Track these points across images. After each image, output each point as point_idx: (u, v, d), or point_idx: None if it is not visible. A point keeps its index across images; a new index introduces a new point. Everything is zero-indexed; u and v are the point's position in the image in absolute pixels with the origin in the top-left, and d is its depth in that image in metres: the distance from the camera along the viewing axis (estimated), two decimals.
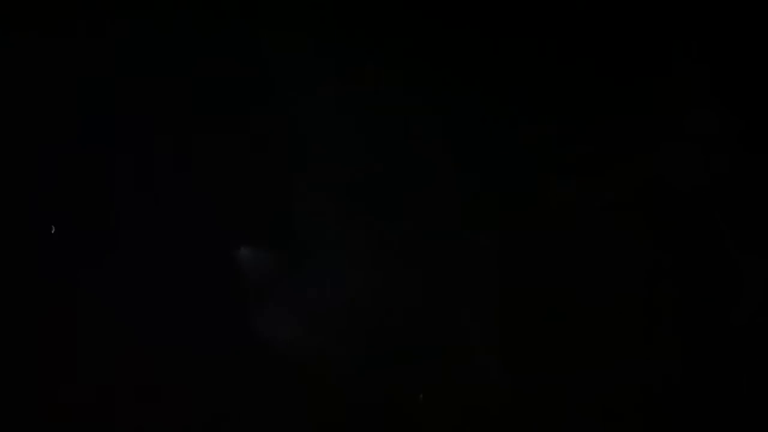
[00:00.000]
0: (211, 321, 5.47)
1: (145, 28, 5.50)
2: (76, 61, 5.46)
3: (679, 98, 5.59)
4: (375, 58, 5.62)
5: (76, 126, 5.50)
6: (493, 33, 5.62)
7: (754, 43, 5.49)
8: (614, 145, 5.60)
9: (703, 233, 5.57)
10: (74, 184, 5.48)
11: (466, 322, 5.55)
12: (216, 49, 5.55)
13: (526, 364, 5.50)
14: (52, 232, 5.45)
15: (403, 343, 5.55)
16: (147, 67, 5.51)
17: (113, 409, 5.35)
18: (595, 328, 5.52)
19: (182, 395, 5.42)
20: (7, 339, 5.35)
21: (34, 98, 5.45)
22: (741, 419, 5.35)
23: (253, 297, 5.57)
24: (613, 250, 5.60)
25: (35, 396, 5.32)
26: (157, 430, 5.37)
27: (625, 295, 5.57)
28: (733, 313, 5.47)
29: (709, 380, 5.41)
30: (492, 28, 5.60)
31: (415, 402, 5.45)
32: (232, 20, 5.56)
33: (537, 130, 5.62)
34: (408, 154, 5.63)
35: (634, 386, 5.45)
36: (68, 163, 5.47)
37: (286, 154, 5.65)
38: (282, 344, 5.52)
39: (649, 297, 5.57)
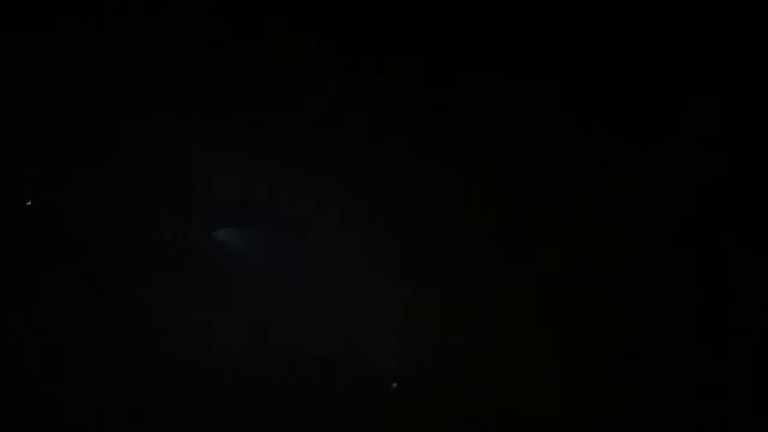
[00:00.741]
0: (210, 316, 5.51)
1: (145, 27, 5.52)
2: (76, 60, 5.49)
3: (679, 98, 5.59)
4: (374, 55, 5.63)
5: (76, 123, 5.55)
6: (493, 33, 5.63)
7: (753, 42, 5.49)
8: (614, 145, 5.60)
9: (703, 233, 5.57)
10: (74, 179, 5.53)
11: (465, 322, 5.57)
12: (218, 48, 5.57)
13: (526, 363, 5.51)
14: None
15: (402, 342, 5.58)
16: (148, 67, 5.53)
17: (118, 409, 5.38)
18: (595, 327, 5.52)
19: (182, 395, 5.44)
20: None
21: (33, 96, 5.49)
22: (742, 418, 5.36)
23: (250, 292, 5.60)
24: (612, 250, 5.61)
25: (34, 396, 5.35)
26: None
27: (624, 295, 5.57)
28: (733, 313, 5.47)
29: (710, 379, 5.41)
30: (492, 27, 5.61)
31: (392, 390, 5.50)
32: (234, 19, 5.58)
33: (537, 129, 5.63)
34: (407, 153, 5.64)
35: (635, 386, 5.46)
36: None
37: (285, 154, 5.67)
38: (279, 342, 5.55)
39: (648, 297, 5.57)
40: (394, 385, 5.52)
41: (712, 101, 5.60)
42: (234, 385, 5.47)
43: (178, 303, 5.51)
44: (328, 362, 5.54)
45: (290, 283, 5.67)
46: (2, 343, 5.38)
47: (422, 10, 5.61)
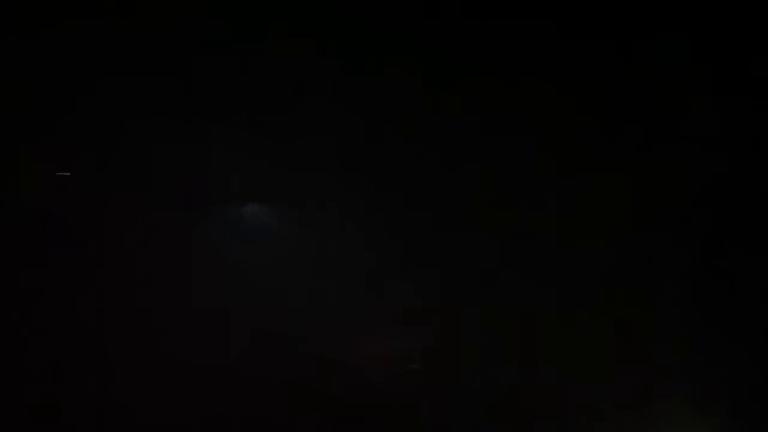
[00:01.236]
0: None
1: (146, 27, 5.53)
2: (76, 60, 5.50)
3: (679, 98, 5.59)
4: (375, 56, 5.63)
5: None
6: (493, 33, 5.63)
7: (753, 42, 5.50)
8: (614, 145, 5.60)
9: (703, 233, 5.58)
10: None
11: (465, 322, 5.58)
12: (217, 48, 5.58)
13: (527, 362, 5.52)
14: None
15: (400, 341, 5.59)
16: (148, 67, 5.54)
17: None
18: (595, 327, 5.53)
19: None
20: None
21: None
22: (741, 417, 5.37)
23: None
24: (612, 250, 5.61)
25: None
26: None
27: (624, 295, 5.58)
28: (732, 312, 5.47)
29: (710, 380, 5.42)
30: (492, 27, 5.61)
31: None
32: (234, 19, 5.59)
33: (537, 129, 5.63)
34: (408, 154, 5.65)
35: (635, 386, 5.47)
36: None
37: (284, 154, 5.68)
38: (279, 341, 5.56)
39: (648, 296, 5.57)
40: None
41: (712, 101, 5.60)
42: (235, 385, 5.48)
43: (178, 303, 5.52)
44: (329, 361, 5.55)
45: (290, 282, 5.68)
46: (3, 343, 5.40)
47: (422, 10, 5.61)
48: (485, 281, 5.63)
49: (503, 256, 5.65)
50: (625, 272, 5.61)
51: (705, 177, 5.58)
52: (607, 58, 5.60)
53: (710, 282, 5.51)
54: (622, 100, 5.59)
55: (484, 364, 5.51)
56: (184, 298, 5.52)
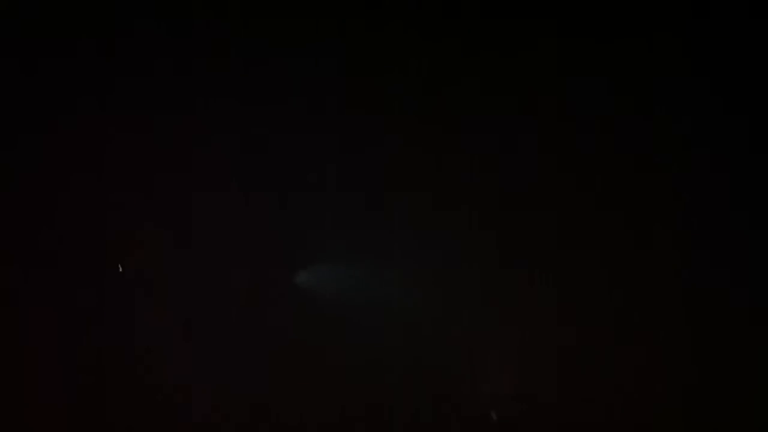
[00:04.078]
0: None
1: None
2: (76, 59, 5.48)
3: (679, 98, 5.60)
4: (374, 56, 5.62)
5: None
6: (493, 33, 5.63)
7: (754, 43, 5.51)
8: (614, 145, 5.61)
9: (702, 233, 5.60)
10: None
11: (470, 322, 5.60)
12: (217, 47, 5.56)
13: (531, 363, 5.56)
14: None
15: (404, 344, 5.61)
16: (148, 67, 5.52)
17: None
18: (597, 327, 5.55)
19: None
20: None
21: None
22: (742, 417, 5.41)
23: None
24: (612, 250, 5.63)
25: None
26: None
27: (624, 294, 5.60)
28: (732, 312, 5.50)
29: (710, 380, 5.46)
30: (493, 28, 5.61)
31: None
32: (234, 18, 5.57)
33: (537, 129, 5.64)
34: (409, 154, 5.65)
35: (635, 387, 5.50)
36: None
37: (283, 153, 5.67)
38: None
39: (648, 296, 5.60)
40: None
41: (710, 100, 5.61)
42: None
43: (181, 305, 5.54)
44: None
45: (290, 285, 5.70)
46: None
47: (422, 10, 5.60)
48: (485, 281, 5.64)
49: (503, 255, 5.66)
50: (624, 272, 5.63)
51: (703, 176, 5.60)
52: (608, 57, 5.60)
53: (710, 282, 5.54)
54: (622, 101, 5.60)
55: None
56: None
